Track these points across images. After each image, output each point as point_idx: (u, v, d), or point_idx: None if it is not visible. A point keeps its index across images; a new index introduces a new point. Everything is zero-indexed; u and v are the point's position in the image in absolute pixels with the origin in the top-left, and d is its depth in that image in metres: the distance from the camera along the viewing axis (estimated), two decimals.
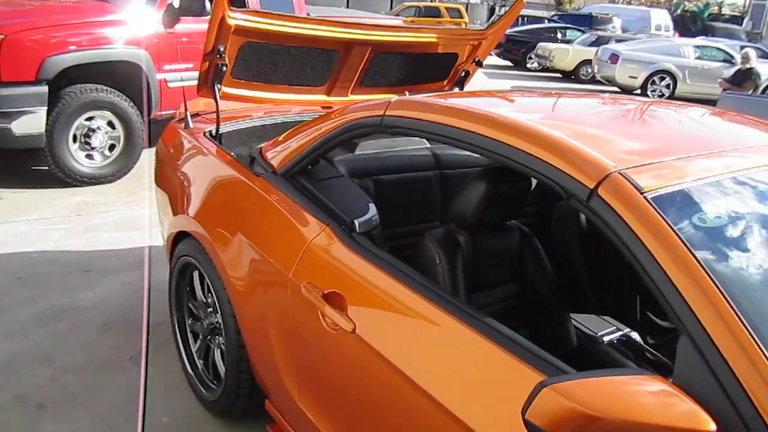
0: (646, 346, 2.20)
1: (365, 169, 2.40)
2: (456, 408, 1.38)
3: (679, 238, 1.26)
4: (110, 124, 5.08)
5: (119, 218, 4.48)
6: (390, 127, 1.88)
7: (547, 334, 2.08)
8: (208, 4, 5.36)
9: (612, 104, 2.23)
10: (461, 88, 3.60)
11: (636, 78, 13.69)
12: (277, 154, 2.25)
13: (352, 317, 1.66)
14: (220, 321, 2.34)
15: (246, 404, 2.34)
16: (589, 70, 15.83)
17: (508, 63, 18.87)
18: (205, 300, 2.54)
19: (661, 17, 24.17)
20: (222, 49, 2.52)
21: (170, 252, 2.71)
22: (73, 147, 4.91)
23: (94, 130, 4.99)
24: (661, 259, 1.24)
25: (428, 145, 2.68)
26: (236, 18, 2.48)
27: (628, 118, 2.02)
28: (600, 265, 2.34)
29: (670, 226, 1.28)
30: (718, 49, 14.10)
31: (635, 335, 2.25)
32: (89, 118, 4.96)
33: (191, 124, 2.82)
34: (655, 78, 13.64)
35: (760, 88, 10.16)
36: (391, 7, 23.54)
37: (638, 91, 13.77)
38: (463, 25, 21.86)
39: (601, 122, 1.92)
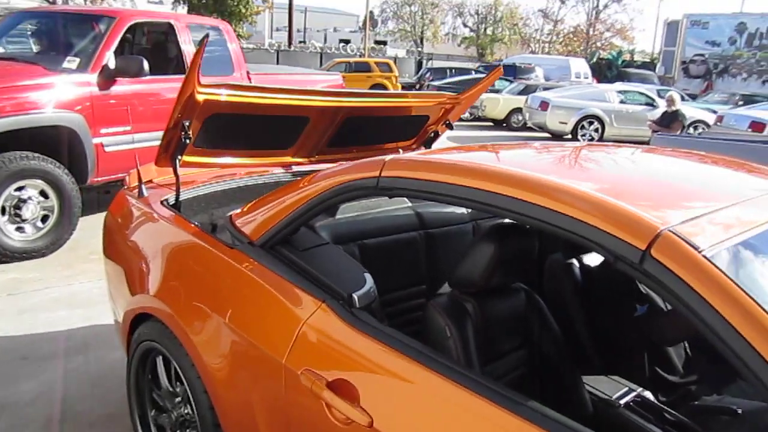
0: (662, 405, 2.06)
1: (348, 233, 2.21)
2: None
3: (747, 294, 1.14)
4: (42, 193, 4.71)
5: (57, 296, 4.09)
6: (388, 189, 1.71)
7: (561, 401, 1.92)
8: (146, 65, 5.13)
9: (604, 153, 2.14)
10: (428, 147, 3.48)
11: (566, 123, 14.14)
12: (251, 223, 2.04)
13: (366, 409, 1.45)
14: (194, 413, 2.06)
15: None
16: (520, 118, 16.29)
17: None
18: (172, 389, 2.25)
19: (580, 65, 25.38)
20: (187, 124, 2.31)
21: (127, 336, 2.42)
22: (2, 220, 4.51)
23: (24, 201, 4.61)
24: (733, 319, 1.12)
25: (409, 204, 2.53)
26: (205, 93, 2.28)
27: (640, 168, 1.92)
28: (600, 322, 2.21)
29: (735, 283, 1.16)
30: (640, 93, 14.82)
31: (648, 394, 2.11)
32: (19, 188, 4.58)
33: (145, 193, 2.57)
34: (584, 123, 14.12)
35: (686, 128, 10.61)
36: (321, 64, 23.76)
37: (569, 136, 14.21)
38: (394, 79, 22.29)
39: (616, 174, 1.80)
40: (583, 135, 14.13)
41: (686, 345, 2.31)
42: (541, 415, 1.27)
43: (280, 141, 2.83)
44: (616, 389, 2.12)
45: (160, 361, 2.30)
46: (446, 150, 2.07)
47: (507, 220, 1.90)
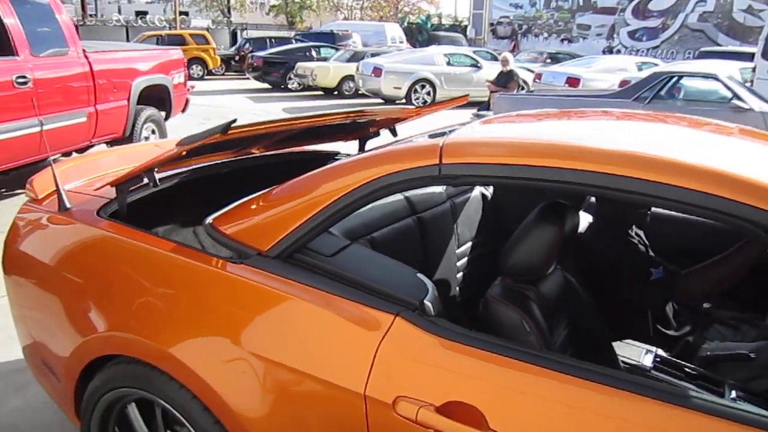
0: (681, 361, 2.10)
1: (355, 228, 1.95)
2: None
3: None
4: None
5: None
6: (452, 177, 1.50)
7: None
8: None
9: (659, 122, 2.05)
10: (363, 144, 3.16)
11: (400, 88, 14.38)
12: (250, 229, 1.71)
13: (501, 431, 1.26)
14: None
15: None
16: (352, 85, 16.27)
17: (266, 86, 18.62)
18: None
19: (395, 30, 25.90)
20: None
21: (74, 391, 1.95)
22: None
23: None
24: None
25: None
26: None
27: (704, 135, 1.84)
28: (612, 290, 2.19)
29: None
30: (465, 55, 15.48)
31: (661, 352, 2.15)
32: None
33: (68, 205, 2.07)
34: (417, 87, 14.47)
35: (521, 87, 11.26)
36: (128, 38, 21.79)
37: (403, 101, 14.49)
38: (212, 52, 21.14)
39: (702, 145, 1.72)
40: (417, 99, 14.49)
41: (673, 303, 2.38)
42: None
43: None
44: (632, 352, 2.13)
45: (132, 409, 1.89)
46: (490, 126, 1.85)
47: (557, 200, 1.78)
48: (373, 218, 2.06)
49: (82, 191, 2.21)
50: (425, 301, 1.47)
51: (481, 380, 1.33)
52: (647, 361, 2.06)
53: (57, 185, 2.08)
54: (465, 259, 2.54)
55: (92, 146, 6.25)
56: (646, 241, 2.36)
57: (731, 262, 2.03)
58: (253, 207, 1.75)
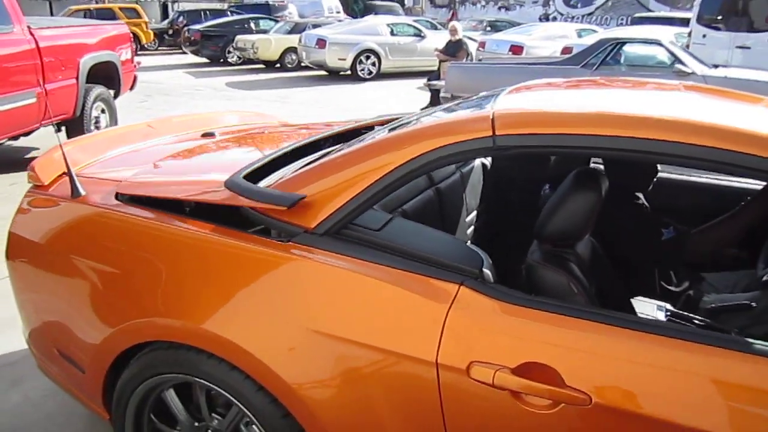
0: (690, 315, 2.23)
1: (388, 201, 1.96)
2: None
3: None
4: None
5: None
6: (506, 148, 1.53)
7: None
8: None
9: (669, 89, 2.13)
10: None
11: (345, 59, 14.24)
12: (297, 208, 1.71)
13: (578, 387, 1.32)
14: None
15: None
16: (294, 57, 16.00)
17: (205, 60, 18.09)
18: (197, 423, 1.86)
19: (331, 0, 25.50)
20: None
21: (103, 377, 1.91)
22: None
23: None
24: None
25: None
26: None
27: (714, 101, 1.93)
28: (624, 250, 2.28)
29: None
30: (408, 25, 15.43)
31: (670, 307, 2.27)
32: None
33: (82, 191, 2.00)
34: (362, 57, 14.36)
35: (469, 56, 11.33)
36: (52, 12, 20.64)
37: (348, 72, 14.38)
38: (144, 26, 20.32)
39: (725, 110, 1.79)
40: (362, 69, 14.40)
41: None
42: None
43: None
44: (645, 308, 2.25)
45: (171, 394, 1.87)
46: (526, 95, 1.87)
47: (590, 166, 1.84)
48: (402, 191, 2.08)
49: (91, 175, 2.14)
50: (484, 269, 1.51)
51: (551, 340, 1.39)
52: (660, 315, 2.18)
53: (69, 170, 2.00)
54: (472, 228, 2.60)
55: (39, 128, 5.97)
56: (647, 204, 2.47)
57: (738, 220, 2.15)
58: (293, 185, 1.74)
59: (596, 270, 1.96)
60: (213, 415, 1.84)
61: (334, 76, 14.88)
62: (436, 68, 10.58)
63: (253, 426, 1.76)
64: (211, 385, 1.72)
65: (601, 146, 1.46)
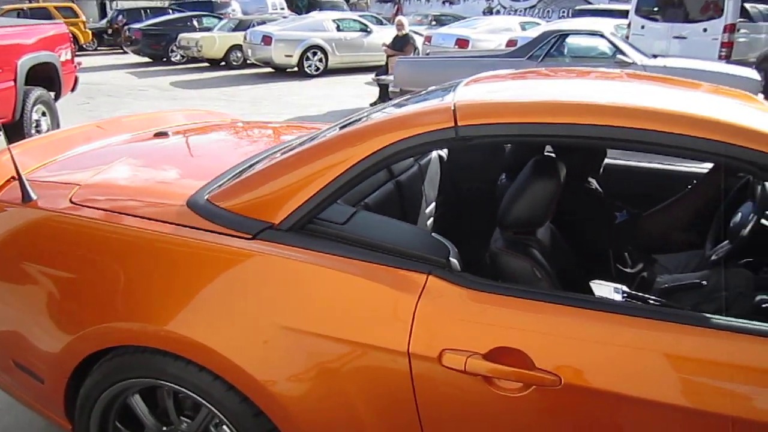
0: (645, 295, 2.31)
1: (350, 195, 1.96)
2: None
3: None
4: None
5: None
6: (469, 138, 1.55)
7: None
8: None
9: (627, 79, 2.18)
10: None
11: (291, 56, 14.12)
12: (255, 204, 1.69)
13: (548, 369, 1.36)
14: None
15: None
16: (239, 55, 15.78)
17: (147, 59, 17.66)
18: (164, 427, 1.83)
19: None
20: None
21: (64, 387, 1.85)
22: None
23: None
24: None
25: None
26: None
27: (678, 88, 1.99)
28: (581, 234, 2.35)
29: None
30: (354, 20, 15.40)
31: (626, 288, 2.35)
32: None
33: (33, 195, 1.94)
34: (309, 54, 14.27)
35: (416, 50, 11.38)
36: None
37: (296, 69, 14.27)
38: (82, 26, 19.69)
39: (673, 95, 1.86)
40: (309, 66, 14.32)
41: None
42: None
43: None
44: (602, 290, 2.32)
45: (137, 400, 1.83)
46: (484, 86, 1.90)
47: (547, 155, 1.88)
48: (363, 184, 2.08)
49: (41, 179, 2.07)
50: (451, 258, 1.53)
51: (520, 325, 1.42)
52: (617, 297, 2.25)
53: (18, 174, 1.93)
54: (432, 219, 2.63)
55: None
56: (600, 189, 2.54)
57: (686, 202, 2.24)
58: (257, 181, 1.72)
59: (556, 255, 2.01)
60: (181, 418, 1.81)
61: (281, 73, 14.75)
62: (383, 63, 10.61)
63: (224, 427, 1.74)
64: (180, 388, 1.69)
65: (560, 134, 1.50)
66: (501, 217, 1.80)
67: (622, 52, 8.14)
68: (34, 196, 1.92)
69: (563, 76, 2.12)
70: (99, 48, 20.90)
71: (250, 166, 1.88)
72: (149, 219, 1.75)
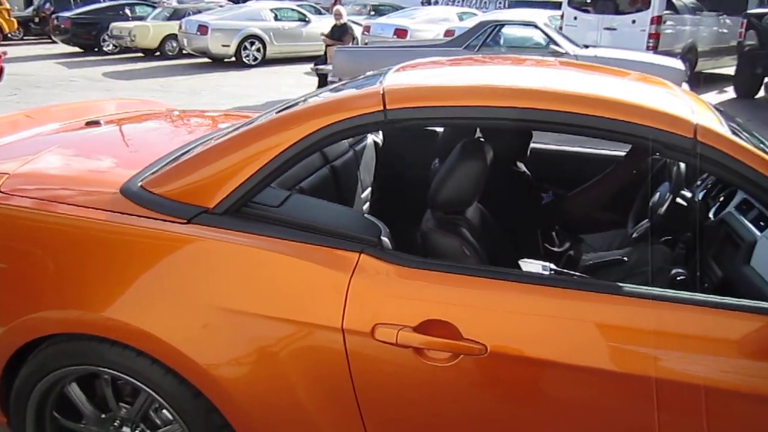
0: (570, 272, 2.43)
1: (285, 179, 1.99)
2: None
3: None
4: None
5: None
6: (398, 121, 1.61)
7: None
8: None
9: (552, 66, 2.27)
10: None
11: (229, 46, 13.91)
12: (189, 188, 1.71)
13: (474, 338, 1.44)
14: (166, 428, 1.74)
15: None
16: (175, 45, 15.41)
17: (77, 49, 17.04)
18: (103, 414, 1.83)
19: None
20: None
21: None
22: None
23: None
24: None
25: None
26: None
27: (597, 74, 2.09)
28: (502, 214, 2.44)
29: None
30: (292, 9, 15.27)
31: (553, 266, 2.46)
32: None
33: None
34: (246, 43, 14.08)
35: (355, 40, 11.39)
36: None
37: (233, 59, 14.07)
38: (6, 14, 18.83)
39: (599, 82, 1.96)
40: (247, 56, 14.14)
41: None
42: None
43: None
44: (531, 267, 2.42)
45: (74, 388, 1.83)
46: (413, 72, 1.96)
47: (477, 137, 1.96)
48: (297, 170, 2.12)
49: None
50: (382, 238, 1.60)
51: (448, 299, 1.50)
52: (545, 274, 2.36)
53: None
54: (368, 204, 2.69)
55: None
56: (528, 172, 2.65)
57: (606, 183, 2.38)
58: (191, 166, 1.74)
59: (486, 235, 2.10)
60: (120, 404, 1.82)
61: (218, 63, 14.49)
62: (322, 53, 10.59)
63: (164, 411, 1.77)
64: (118, 374, 1.70)
65: (481, 116, 1.58)
66: (431, 198, 1.87)
67: (555, 43, 8.39)
68: None
69: (491, 63, 2.21)
70: (25, 37, 20.00)
71: (185, 152, 1.89)
72: (82, 207, 1.75)
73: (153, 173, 1.82)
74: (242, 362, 1.58)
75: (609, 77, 2.06)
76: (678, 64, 8.04)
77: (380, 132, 2.91)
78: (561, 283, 1.50)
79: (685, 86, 7.58)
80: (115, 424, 1.84)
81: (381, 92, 1.62)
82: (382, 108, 1.59)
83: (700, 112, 1.64)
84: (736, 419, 1.42)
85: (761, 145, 1.68)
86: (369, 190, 2.72)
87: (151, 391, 1.68)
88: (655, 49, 10.40)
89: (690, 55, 11.23)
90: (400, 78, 1.81)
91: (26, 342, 1.75)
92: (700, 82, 10.43)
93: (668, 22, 10.89)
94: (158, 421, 1.81)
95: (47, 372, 1.77)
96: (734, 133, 1.59)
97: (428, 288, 1.51)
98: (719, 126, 1.56)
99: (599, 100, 1.55)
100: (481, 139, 1.98)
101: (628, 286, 1.49)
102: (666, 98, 1.77)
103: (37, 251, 1.74)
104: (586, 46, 8.71)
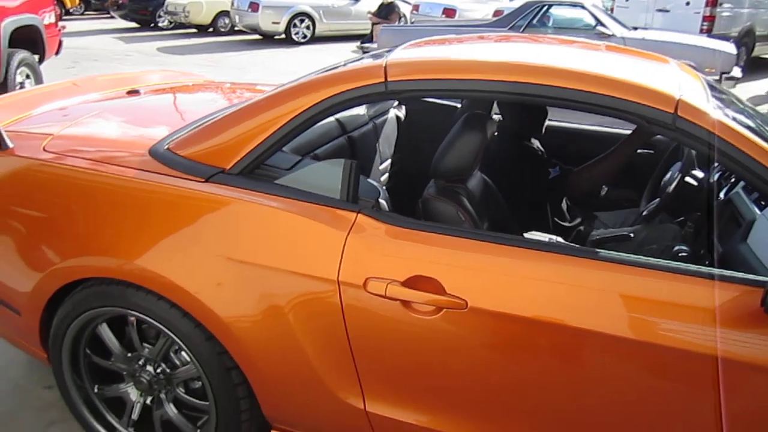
0: (576, 245, 2.51)
1: (300, 146, 2.14)
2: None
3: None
4: None
5: None
6: (398, 92, 1.73)
7: None
8: None
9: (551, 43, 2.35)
10: None
11: (278, 23, 14.11)
12: (210, 151, 1.87)
13: (456, 294, 1.56)
14: (193, 362, 1.90)
15: None
16: (227, 21, 15.73)
17: (134, 25, 17.57)
18: (129, 353, 2.04)
19: None
20: None
21: (38, 318, 2.05)
22: None
23: None
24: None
25: None
26: None
27: (595, 51, 2.16)
28: (512, 189, 2.53)
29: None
30: None
31: (560, 239, 2.55)
32: None
33: (9, 143, 2.10)
34: (296, 21, 14.27)
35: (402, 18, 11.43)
36: None
37: (283, 36, 14.28)
38: None
39: (595, 58, 2.03)
40: (296, 33, 14.32)
41: (566, 198, 2.79)
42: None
43: None
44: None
45: (104, 329, 2.04)
46: (420, 48, 2.07)
47: (478, 111, 2.06)
48: (314, 138, 2.26)
49: (18, 130, 2.23)
50: (380, 200, 1.73)
51: (435, 257, 1.62)
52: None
53: None
54: (387, 175, 2.81)
55: None
56: (542, 149, 2.73)
57: (610, 159, 2.44)
58: (211, 131, 1.90)
59: (489, 205, 2.20)
60: (144, 345, 2.02)
61: (268, 40, 14.74)
62: (369, 31, 10.68)
63: (182, 353, 1.95)
64: (141, 315, 1.89)
65: (478, 89, 1.68)
66: (433, 167, 1.99)
67: (603, 24, 8.27)
68: (10, 145, 2.09)
69: (498, 41, 2.29)
70: (86, 13, 20.69)
71: (208, 119, 2.05)
72: (114, 165, 1.93)
73: (179, 137, 1.99)
74: (249, 309, 1.74)
75: (605, 54, 2.12)
76: (729, 48, 7.82)
77: (402, 107, 3.02)
78: (538, 246, 1.60)
79: (736, 70, 7.39)
80: (140, 362, 2.04)
81: (384, 65, 1.74)
82: (383, 80, 1.72)
83: (689, 88, 1.70)
84: (709, 383, 1.49)
85: (754, 124, 1.73)
86: (389, 161, 2.84)
87: (169, 333, 1.87)
88: (709, 32, 10.10)
89: (747, 39, 10.86)
90: (406, 53, 1.93)
91: (63, 285, 1.95)
92: (756, 67, 10.11)
93: (725, 5, 10.54)
94: (177, 362, 2.01)
95: (80, 312, 1.97)
96: (721, 109, 1.65)
97: (417, 247, 1.64)
98: (703, 102, 1.62)
99: (583, 75, 1.63)
100: (483, 113, 2.07)
101: (604, 252, 1.58)
102: (654, 74, 1.83)
103: (73, 204, 1.93)
104: (635, 29, 8.55)
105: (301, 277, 1.68)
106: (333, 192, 1.73)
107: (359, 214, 1.68)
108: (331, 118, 2.45)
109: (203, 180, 1.82)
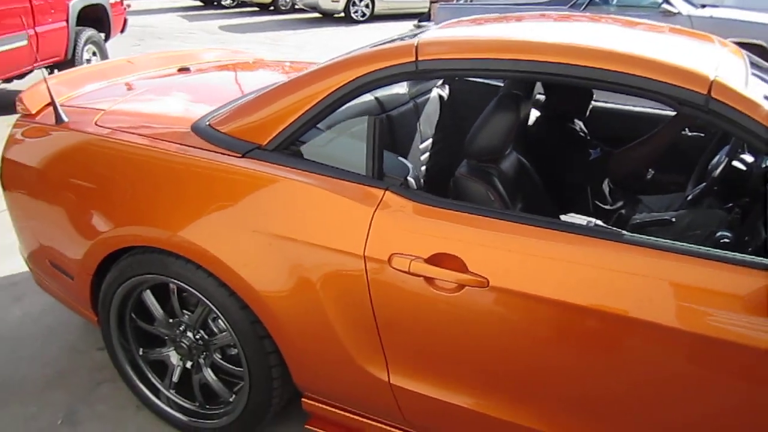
0: (616, 229, 2.47)
1: (337, 124, 2.18)
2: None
3: None
4: None
5: None
6: (428, 72, 1.74)
7: None
8: None
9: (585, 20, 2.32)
10: None
11: (338, 2, 14.18)
12: (248, 127, 1.93)
13: (477, 272, 1.58)
14: (229, 330, 1.98)
15: (276, 411, 2.09)
16: (288, 0, 15.90)
17: (198, 3, 17.96)
18: (171, 319, 2.15)
19: None
20: None
21: (89, 282, 2.18)
22: None
23: None
24: None
25: None
26: None
27: (635, 29, 2.11)
28: (555, 170, 2.51)
29: None
30: None
31: (600, 222, 2.51)
32: None
33: (65, 118, 2.22)
34: (355, 0, 14.29)
35: None
36: None
37: (342, 14, 14.33)
38: None
39: (631, 37, 1.99)
40: (356, 12, 14.34)
41: (609, 181, 2.74)
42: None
43: None
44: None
45: (148, 295, 2.15)
46: (452, 28, 2.07)
47: (513, 91, 2.05)
48: (351, 116, 2.29)
49: (73, 105, 2.36)
50: (408, 178, 1.75)
51: (459, 236, 1.63)
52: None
53: (52, 99, 2.22)
54: (427, 154, 2.83)
55: (33, 71, 6.13)
56: (586, 130, 2.69)
57: (654, 141, 2.38)
58: (249, 109, 1.96)
59: (524, 186, 2.19)
60: (184, 311, 2.12)
61: (327, 18, 14.83)
62: (428, 9, 10.58)
63: (219, 320, 2.04)
64: (180, 283, 1.99)
65: (506, 69, 1.67)
66: (466, 147, 2.00)
67: (668, 2, 7.94)
68: (66, 119, 2.22)
69: (535, 20, 2.26)
70: None
71: (247, 97, 2.12)
72: (159, 139, 2.03)
73: (220, 114, 2.06)
74: (281, 281, 1.80)
75: (641, 31, 2.06)
76: None
77: (446, 86, 3.02)
78: (565, 228, 1.59)
79: None
80: (180, 328, 2.15)
81: (415, 45, 1.75)
82: (414, 59, 1.73)
83: (728, 68, 1.65)
84: (743, 373, 1.46)
85: None
86: (429, 141, 2.85)
87: (207, 301, 1.96)
88: None
89: None
90: (438, 33, 1.93)
91: (110, 252, 2.07)
92: None
93: None
94: (215, 329, 2.10)
95: (126, 278, 2.08)
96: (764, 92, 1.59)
97: (441, 224, 1.65)
98: (741, 84, 1.57)
99: (613, 54, 1.59)
100: (518, 93, 2.05)
101: (629, 235, 1.56)
102: (692, 53, 1.77)
103: (119, 176, 2.03)
104: (703, 6, 8.17)
105: (330, 251, 1.73)
106: (359, 168, 1.76)
107: (387, 191, 1.71)
108: (370, 96, 2.48)
109: (240, 155, 1.89)
